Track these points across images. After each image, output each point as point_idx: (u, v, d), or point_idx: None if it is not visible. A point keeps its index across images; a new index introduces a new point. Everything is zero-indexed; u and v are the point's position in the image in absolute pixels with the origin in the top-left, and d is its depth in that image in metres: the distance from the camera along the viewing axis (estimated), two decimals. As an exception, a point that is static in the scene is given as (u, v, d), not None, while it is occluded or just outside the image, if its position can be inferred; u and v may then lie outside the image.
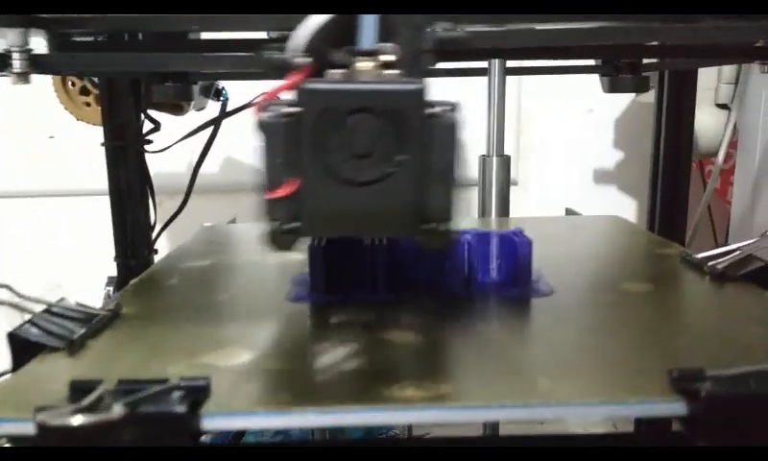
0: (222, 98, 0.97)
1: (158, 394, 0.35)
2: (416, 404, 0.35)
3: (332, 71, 0.42)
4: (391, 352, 0.42)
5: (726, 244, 1.24)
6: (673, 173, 1.06)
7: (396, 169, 0.40)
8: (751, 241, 0.60)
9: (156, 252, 0.92)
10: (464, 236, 0.55)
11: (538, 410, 0.35)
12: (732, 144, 1.21)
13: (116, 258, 0.89)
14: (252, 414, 0.35)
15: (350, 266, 0.54)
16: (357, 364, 0.40)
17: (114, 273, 0.91)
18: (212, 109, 0.99)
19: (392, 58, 0.44)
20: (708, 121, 1.19)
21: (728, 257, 0.59)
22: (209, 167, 1.23)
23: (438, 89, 0.47)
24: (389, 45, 0.46)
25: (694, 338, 0.44)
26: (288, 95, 0.48)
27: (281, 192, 0.41)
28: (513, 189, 1.09)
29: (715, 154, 1.21)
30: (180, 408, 0.34)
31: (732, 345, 0.42)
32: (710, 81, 1.18)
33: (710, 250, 1.29)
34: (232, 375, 0.39)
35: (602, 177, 1.45)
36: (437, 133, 0.40)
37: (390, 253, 0.53)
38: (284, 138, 0.40)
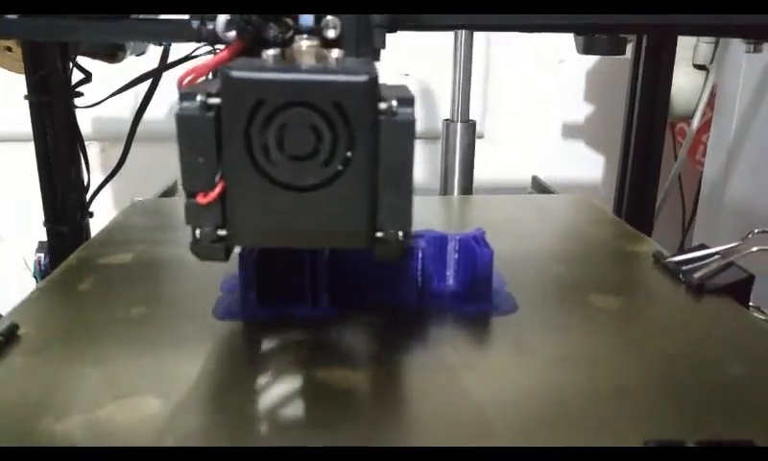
0: (164, 43, 0.88)
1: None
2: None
3: (267, 53, 0.36)
4: (327, 406, 0.36)
5: (695, 211, 1.21)
6: (646, 137, 1.01)
7: (342, 171, 0.34)
8: (731, 245, 0.55)
9: (91, 215, 0.84)
10: (417, 241, 0.49)
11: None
12: (708, 106, 1.15)
13: (46, 223, 0.81)
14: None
15: (288, 276, 0.48)
16: (285, 428, 0.34)
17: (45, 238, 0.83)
18: (154, 52, 0.90)
19: (335, 34, 0.38)
20: (684, 82, 1.13)
21: (705, 262, 0.54)
22: (156, 113, 1.15)
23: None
24: (333, 19, 0.39)
25: (670, 381, 0.39)
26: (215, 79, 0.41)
27: (203, 198, 0.35)
28: (478, 143, 1.03)
29: (690, 117, 1.15)
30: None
31: (711, 392, 0.38)
32: (689, 39, 1.11)
33: (679, 222, 1.25)
34: (132, 437, 0.33)
35: (571, 131, 1.39)
36: (390, 132, 0.34)
37: (333, 260, 0.47)
38: (206, 134, 0.34)
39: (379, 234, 0.36)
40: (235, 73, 0.33)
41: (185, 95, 0.34)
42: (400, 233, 0.36)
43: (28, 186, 1.09)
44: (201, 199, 0.35)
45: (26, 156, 0.91)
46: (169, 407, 0.35)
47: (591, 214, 0.72)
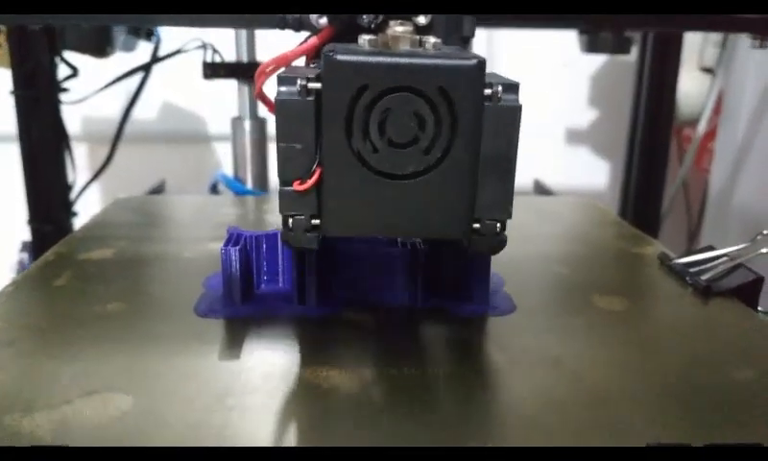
0: (153, 38, 0.87)
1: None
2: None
3: (363, 37, 0.35)
4: (308, 407, 0.34)
5: (701, 218, 1.18)
6: (652, 141, 0.99)
7: (443, 159, 0.34)
8: (740, 246, 0.52)
9: (75, 214, 0.82)
10: (412, 239, 0.46)
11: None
12: (714, 110, 1.13)
13: (30, 222, 0.79)
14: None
15: (274, 273, 0.45)
16: (263, 430, 0.32)
17: (29, 237, 0.81)
18: (144, 48, 0.88)
19: (426, 20, 0.38)
20: (690, 86, 1.10)
21: (713, 265, 0.51)
22: (147, 113, 1.12)
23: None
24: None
25: (675, 385, 0.36)
26: (303, 64, 0.40)
27: (300, 185, 0.34)
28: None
29: (696, 121, 1.13)
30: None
31: (718, 396, 0.35)
32: (695, 42, 1.09)
33: (685, 229, 1.22)
34: (98, 435, 0.30)
35: (575, 137, 1.37)
36: (495, 117, 0.34)
37: (322, 257, 0.44)
38: (305, 120, 0.33)
39: (476, 226, 0.36)
40: (340, 57, 0.32)
41: (284, 79, 0.33)
42: (498, 225, 0.36)
43: (12, 185, 1.06)
44: (297, 186, 0.34)
45: (10, 154, 0.90)
46: (141, 405, 0.33)
47: (594, 215, 0.70)
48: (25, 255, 0.80)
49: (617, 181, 1.06)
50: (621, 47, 0.85)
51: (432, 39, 0.35)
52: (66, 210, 0.80)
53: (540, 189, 0.98)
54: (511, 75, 0.34)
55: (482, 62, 0.33)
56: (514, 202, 0.70)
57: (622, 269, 0.55)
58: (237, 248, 0.43)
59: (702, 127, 1.11)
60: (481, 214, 0.35)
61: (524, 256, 0.55)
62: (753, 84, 0.99)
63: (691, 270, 0.51)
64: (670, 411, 0.34)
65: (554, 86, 1.33)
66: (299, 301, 0.44)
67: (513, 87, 0.34)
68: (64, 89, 0.78)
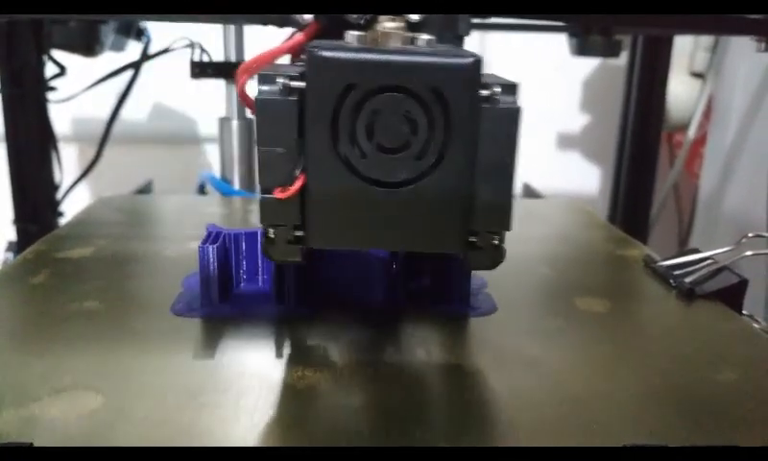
0: (143, 38, 0.86)
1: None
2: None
3: (350, 33, 0.33)
4: (284, 406, 0.33)
5: (691, 223, 1.18)
6: (641, 146, 0.98)
7: (437, 166, 0.31)
8: (724, 249, 0.52)
9: (61, 214, 0.81)
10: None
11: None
12: (705, 115, 1.13)
13: (15, 222, 0.79)
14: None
15: (252, 271, 0.45)
16: (234, 430, 0.31)
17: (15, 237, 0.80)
18: (134, 49, 0.88)
19: (419, 17, 0.35)
20: (680, 90, 1.10)
21: (697, 267, 0.51)
22: (136, 113, 1.12)
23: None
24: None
25: (654, 385, 0.36)
26: (287, 62, 0.38)
27: (282, 193, 0.31)
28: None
29: (686, 126, 1.13)
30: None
31: (700, 398, 0.35)
32: (686, 47, 1.09)
33: (675, 233, 1.22)
34: (65, 433, 0.30)
35: (567, 141, 1.37)
36: (493, 121, 0.31)
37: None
38: (287, 121, 0.30)
39: (472, 239, 0.33)
40: (325, 53, 0.30)
41: (265, 78, 0.30)
42: (498, 236, 0.33)
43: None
44: (278, 194, 0.31)
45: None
46: (110, 403, 0.32)
47: (581, 218, 0.69)
48: (10, 255, 0.79)
49: (609, 186, 1.06)
50: (611, 50, 0.85)
51: (425, 37, 0.33)
52: (52, 210, 0.79)
53: (530, 193, 0.98)
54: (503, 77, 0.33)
55: (479, 61, 0.30)
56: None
57: (607, 271, 0.55)
58: (215, 246, 0.42)
59: (692, 131, 1.11)
60: (478, 226, 0.33)
61: (510, 258, 0.55)
62: (743, 89, 0.99)
63: (675, 272, 0.51)
64: (650, 412, 0.33)
65: (546, 90, 1.32)
66: (277, 300, 0.44)
67: (511, 88, 0.31)
68: (52, 88, 0.77)
